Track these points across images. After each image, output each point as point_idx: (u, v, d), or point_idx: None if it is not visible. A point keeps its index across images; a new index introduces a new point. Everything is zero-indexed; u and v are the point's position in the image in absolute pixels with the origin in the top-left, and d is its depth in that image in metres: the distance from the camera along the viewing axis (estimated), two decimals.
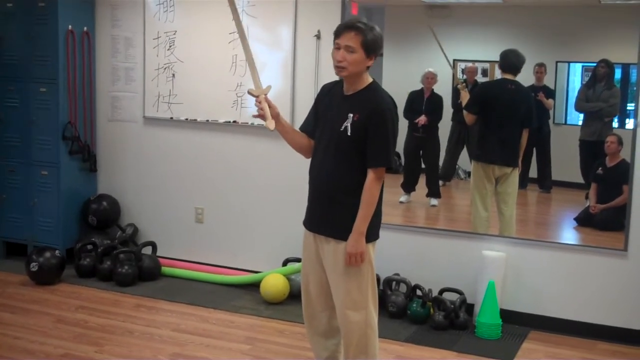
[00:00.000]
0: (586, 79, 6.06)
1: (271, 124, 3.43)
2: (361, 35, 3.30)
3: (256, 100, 3.46)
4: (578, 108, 6.06)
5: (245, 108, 5.79)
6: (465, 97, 5.84)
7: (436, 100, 6.17)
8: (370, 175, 3.35)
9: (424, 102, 6.16)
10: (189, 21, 5.94)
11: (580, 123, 6.10)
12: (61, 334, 4.71)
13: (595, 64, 5.88)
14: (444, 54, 5.84)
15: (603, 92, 5.83)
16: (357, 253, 3.37)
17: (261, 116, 3.45)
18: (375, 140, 3.33)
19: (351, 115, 3.35)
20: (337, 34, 3.37)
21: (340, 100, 3.44)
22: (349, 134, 3.35)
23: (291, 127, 3.73)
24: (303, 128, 3.66)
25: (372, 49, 3.33)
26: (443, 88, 6.22)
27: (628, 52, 5.04)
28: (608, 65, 5.82)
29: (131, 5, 6.15)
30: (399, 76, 6.22)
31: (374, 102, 3.36)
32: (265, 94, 3.48)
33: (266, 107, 3.44)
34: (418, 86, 6.12)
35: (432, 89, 6.15)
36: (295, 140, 3.63)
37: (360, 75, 3.40)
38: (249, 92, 3.51)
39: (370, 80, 3.44)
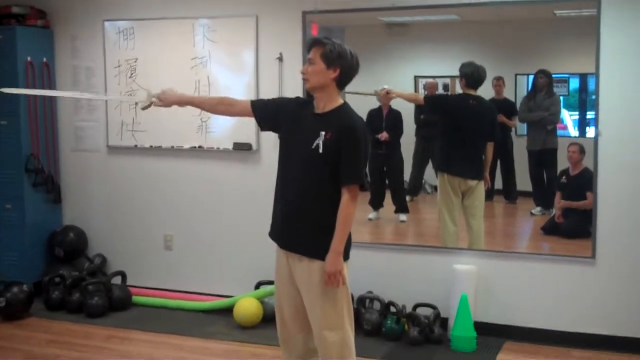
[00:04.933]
0: None
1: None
2: (321, 48, 3.39)
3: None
4: (521, 119, 6.16)
5: (210, 133, 5.78)
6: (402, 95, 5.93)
7: (395, 116, 6.22)
8: (345, 194, 3.37)
9: (383, 119, 6.20)
10: (150, 48, 5.93)
11: None
12: None
13: (561, 75, 6.00)
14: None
15: (544, 101, 5.93)
16: (336, 272, 3.37)
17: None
18: (348, 158, 3.36)
19: (323, 133, 3.37)
20: (307, 51, 3.48)
21: (311, 119, 3.46)
22: (320, 151, 3.36)
23: (197, 97, 4.09)
24: (254, 104, 3.68)
25: (331, 59, 3.37)
26: (405, 105, 6.27)
27: (585, 62, 5.14)
28: (546, 75, 5.93)
29: (91, 35, 6.12)
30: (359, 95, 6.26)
31: (346, 121, 3.39)
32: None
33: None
34: (377, 104, 6.16)
35: (390, 106, 6.19)
36: (211, 104, 3.84)
37: (329, 93, 3.43)
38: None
39: (342, 101, 3.48)
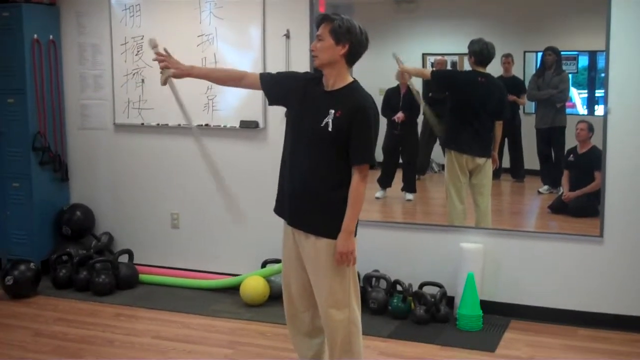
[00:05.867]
0: None
1: (166, 72, 3.74)
2: (330, 24, 3.37)
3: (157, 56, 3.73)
4: (529, 97, 6.12)
5: (217, 111, 5.76)
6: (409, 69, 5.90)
7: (413, 96, 6.17)
8: (356, 174, 3.37)
9: (400, 99, 6.17)
10: (156, 25, 5.89)
11: None
12: (40, 348, 4.65)
13: (570, 53, 5.95)
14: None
15: (553, 79, 5.89)
16: (348, 252, 3.38)
17: (165, 67, 3.71)
18: (359, 138, 3.35)
19: (332, 111, 3.36)
20: (316, 28, 3.46)
21: (321, 96, 3.44)
22: (329, 129, 3.35)
23: (209, 69, 4.15)
24: (263, 77, 3.66)
25: (340, 35, 3.35)
26: (418, 84, 6.23)
27: (594, 40, 5.09)
28: (555, 53, 5.87)
29: (97, 12, 6.09)
30: (370, 73, 6.20)
31: (356, 99, 3.38)
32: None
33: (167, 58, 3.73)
34: (390, 83, 6.12)
35: (408, 86, 6.15)
36: (220, 78, 3.90)
37: (338, 69, 3.41)
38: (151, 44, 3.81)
39: (352, 79, 3.46)
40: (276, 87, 3.62)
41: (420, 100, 5.77)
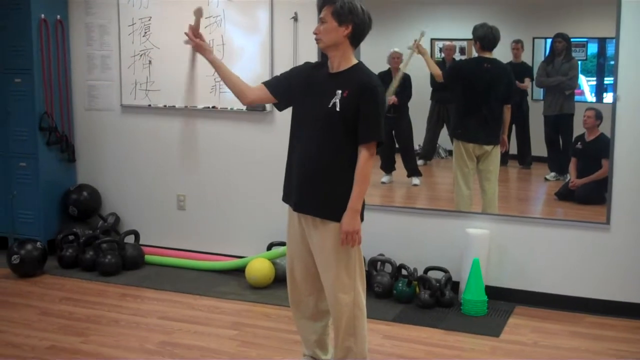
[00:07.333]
0: None
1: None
2: (332, 6, 3.37)
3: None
4: (538, 84, 6.09)
5: (224, 93, 5.74)
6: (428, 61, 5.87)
7: (405, 79, 6.16)
8: (363, 152, 3.36)
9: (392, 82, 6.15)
10: (164, 7, 5.88)
11: None
12: (46, 326, 4.66)
13: (579, 39, 5.93)
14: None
15: (562, 66, 5.86)
16: (354, 231, 3.37)
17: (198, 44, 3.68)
18: (367, 116, 3.34)
19: (340, 91, 3.36)
20: (318, 12, 3.45)
21: (326, 79, 3.44)
22: (337, 109, 3.34)
23: (227, 68, 3.73)
24: (268, 82, 3.64)
25: (342, 16, 3.35)
26: (420, 67, 6.20)
27: (604, 27, 5.06)
28: (564, 39, 5.85)
29: None
30: (375, 57, 6.20)
31: (363, 79, 3.38)
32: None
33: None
34: (386, 66, 6.10)
35: (399, 69, 6.13)
36: (230, 80, 3.65)
37: (343, 51, 3.41)
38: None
39: (357, 61, 3.46)
40: (282, 84, 3.58)
41: None
